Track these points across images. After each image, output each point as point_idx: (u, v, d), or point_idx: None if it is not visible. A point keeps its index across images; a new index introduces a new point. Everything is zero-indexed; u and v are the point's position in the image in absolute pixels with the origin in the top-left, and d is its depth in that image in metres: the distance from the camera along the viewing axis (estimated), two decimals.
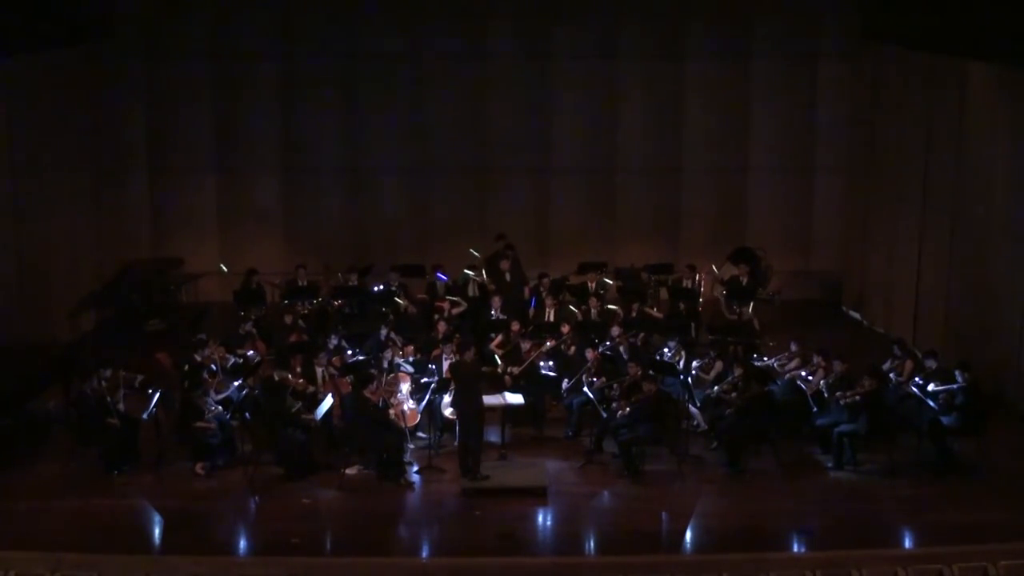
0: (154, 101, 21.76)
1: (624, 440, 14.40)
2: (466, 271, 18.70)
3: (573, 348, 16.24)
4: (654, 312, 18.19)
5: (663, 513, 13.58)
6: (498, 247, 19.43)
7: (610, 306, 18.03)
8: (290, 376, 15.01)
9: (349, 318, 17.99)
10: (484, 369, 15.15)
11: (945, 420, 14.60)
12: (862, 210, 21.33)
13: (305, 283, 18.66)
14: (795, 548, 12.91)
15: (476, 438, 14.22)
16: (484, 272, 18.89)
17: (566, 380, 15.71)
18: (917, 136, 19.16)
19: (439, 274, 18.63)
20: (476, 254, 19.37)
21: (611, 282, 19.09)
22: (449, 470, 14.45)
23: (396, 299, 18.01)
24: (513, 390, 15.37)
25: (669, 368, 15.58)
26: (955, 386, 14.70)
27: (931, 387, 14.79)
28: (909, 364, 15.70)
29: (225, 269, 19.73)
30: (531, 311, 17.94)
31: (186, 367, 15.45)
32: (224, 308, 19.14)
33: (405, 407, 14.93)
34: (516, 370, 15.71)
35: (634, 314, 17.65)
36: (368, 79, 21.87)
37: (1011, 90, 16.65)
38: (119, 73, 21.48)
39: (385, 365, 15.34)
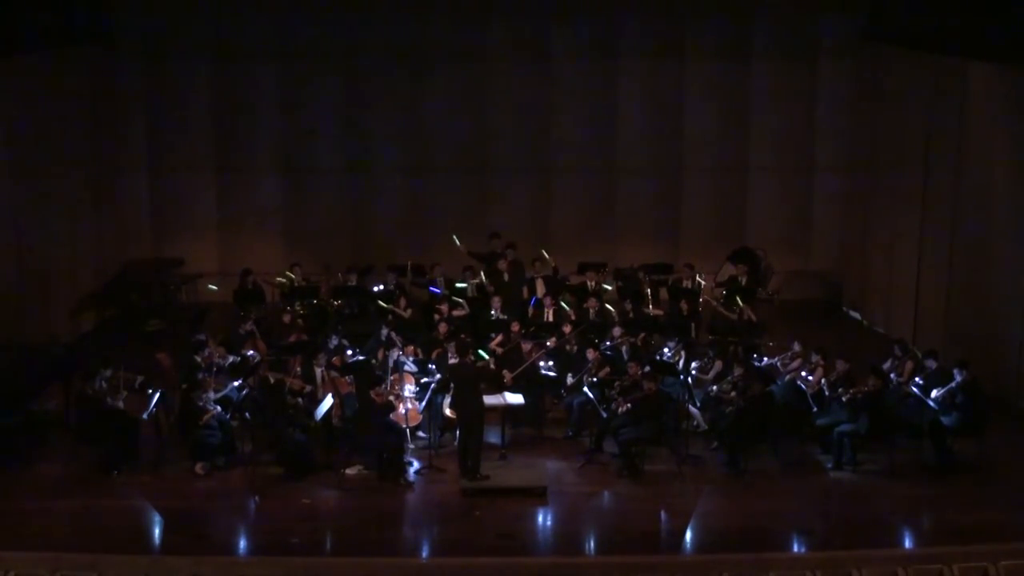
0: (154, 101, 21.78)
1: (624, 440, 14.40)
2: (459, 284, 18.54)
3: (576, 348, 16.24)
4: (651, 311, 18.15)
5: (663, 513, 13.58)
6: (493, 246, 19.43)
7: (607, 306, 18.01)
8: (286, 377, 15.00)
9: (349, 318, 17.99)
10: (480, 364, 15.07)
11: (945, 420, 14.61)
12: (862, 210, 21.34)
13: (302, 282, 18.65)
14: (795, 548, 12.92)
15: (476, 438, 14.22)
16: (483, 274, 18.86)
17: (570, 376, 15.71)
18: (917, 136, 19.16)
19: (432, 288, 18.41)
20: (458, 242, 19.26)
21: (609, 288, 19.05)
22: (449, 470, 14.44)
23: (392, 303, 17.89)
24: (513, 390, 15.37)
25: (669, 368, 15.58)
26: (954, 384, 14.71)
27: (934, 393, 14.77)
28: (909, 364, 15.68)
29: (215, 288, 19.73)
30: (531, 310, 17.91)
31: (186, 367, 15.45)
32: (224, 308, 19.14)
33: (406, 407, 14.93)
34: (508, 374, 15.66)
35: (630, 314, 17.66)
36: (368, 79, 21.88)
37: (1011, 90, 16.65)
38: (119, 73, 21.50)
39: (390, 364, 15.33)
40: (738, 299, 18.03)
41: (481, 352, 15.52)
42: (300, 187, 22.26)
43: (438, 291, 18.23)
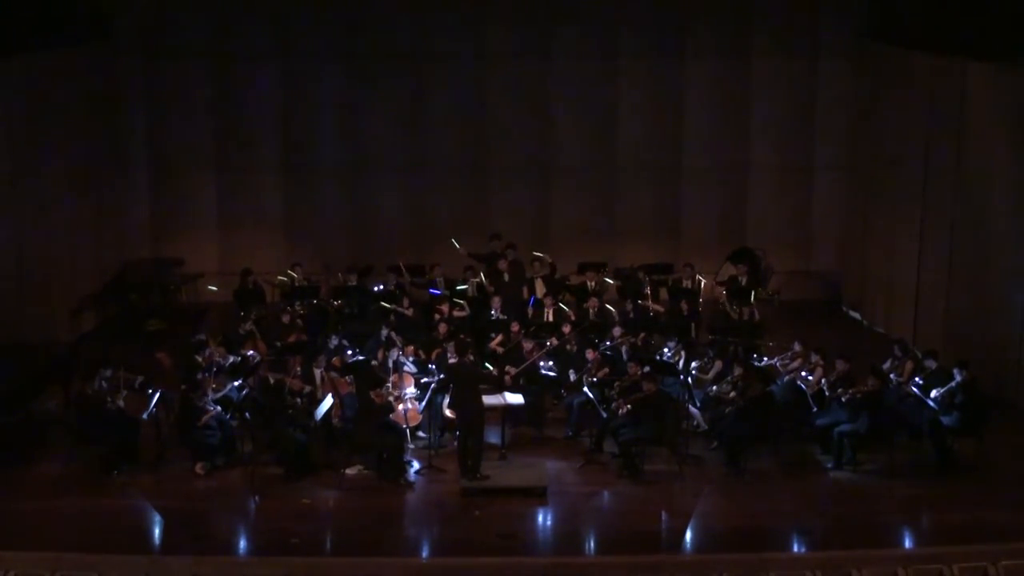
0: (154, 101, 21.78)
1: (624, 440, 14.40)
2: (460, 287, 18.55)
3: (575, 348, 16.24)
4: (652, 306, 18.14)
5: (663, 513, 13.58)
6: (494, 246, 19.43)
7: (607, 306, 18.02)
8: (286, 377, 15.00)
9: (349, 318, 17.98)
10: (484, 373, 15.10)
11: (945, 420, 14.61)
12: (862, 210, 21.34)
13: (302, 282, 18.65)
14: (795, 548, 12.92)
15: (476, 438, 14.22)
16: (483, 274, 18.86)
17: (572, 372, 15.71)
18: (917, 136, 19.16)
19: (432, 290, 18.44)
20: (457, 245, 19.34)
21: (611, 281, 19.07)
22: (449, 470, 14.44)
23: (395, 302, 17.88)
24: (513, 390, 15.37)
25: (669, 368, 15.58)
26: (954, 384, 14.71)
27: (934, 393, 14.77)
28: (909, 364, 15.68)
29: (214, 288, 19.80)
30: (531, 310, 17.91)
31: (186, 367, 15.45)
32: (224, 308, 19.15)
33: (406, 407, 14.93)
34: (513, 370, 15.67)
35: (631, 314, 17.65)
36: (368, 79, 21.87)
37: (1011, 90, 16.65)
38: (119, 73, 21.51)
39: (390, 365, 15.34)
40: (751, 297, 18.05)
41: (487, 365, 15.57)
42: (300, 187, 22.25)
43: (437, 292, 18.23)
